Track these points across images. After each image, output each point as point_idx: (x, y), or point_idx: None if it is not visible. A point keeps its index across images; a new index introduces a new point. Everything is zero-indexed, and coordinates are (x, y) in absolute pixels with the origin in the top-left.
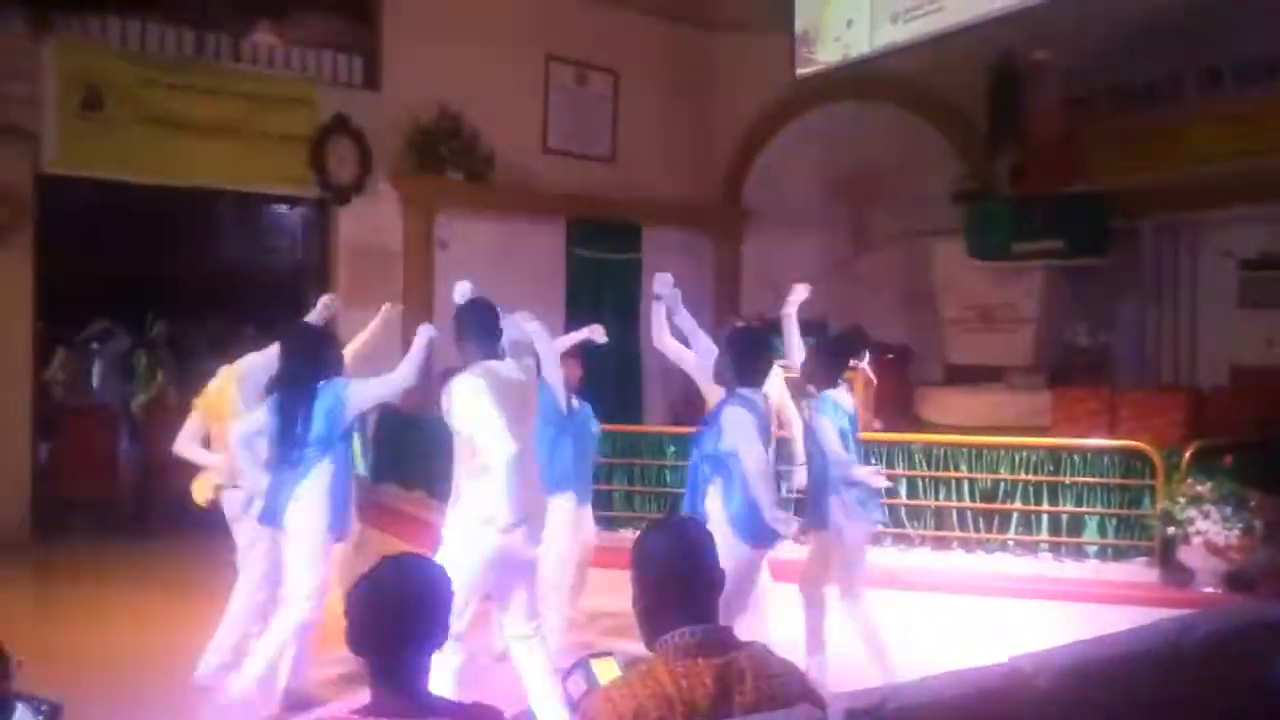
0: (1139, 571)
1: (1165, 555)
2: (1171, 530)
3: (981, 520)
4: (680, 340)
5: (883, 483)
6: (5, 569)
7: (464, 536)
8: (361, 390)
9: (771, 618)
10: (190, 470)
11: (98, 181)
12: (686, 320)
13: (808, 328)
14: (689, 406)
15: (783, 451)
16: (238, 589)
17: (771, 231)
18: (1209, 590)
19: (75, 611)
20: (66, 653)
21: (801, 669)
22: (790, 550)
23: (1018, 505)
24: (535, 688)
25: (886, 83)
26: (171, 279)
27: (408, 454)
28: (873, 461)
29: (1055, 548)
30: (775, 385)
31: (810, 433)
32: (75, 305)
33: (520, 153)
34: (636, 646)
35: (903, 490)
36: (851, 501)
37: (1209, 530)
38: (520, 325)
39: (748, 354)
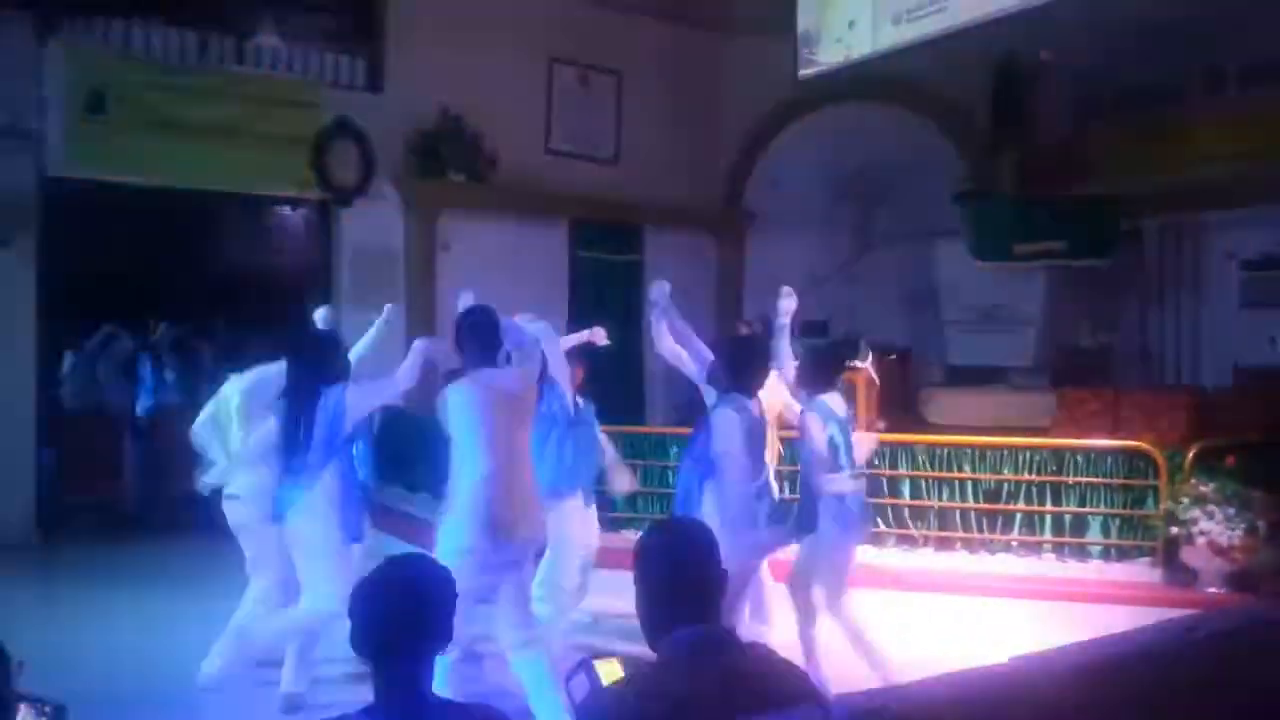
0: (1142, 572)
1: (1169, 555)
2: (1175, 530)
3: (985, 521)
4: (681, 344)
5: (847, 487)
6: (11, 571)
7: (457, 539)
8: (359, 396)
9: (774, 619)
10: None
11: (101, 184)
12: (681, 328)
13: (810, 329)
14: (692, 408)
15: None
16: (248, 594)
17: (774, 233)
18: (1213, 590)
19: (80, 613)
20: (71, 654)
21: (804, 670)
22: (793, 552)
23: (1021, 506)
24: (537, 698)
25: (889, 83)
26: (174, 281)
27: (412, 456)
28: (875, 464)
29: (1058, 548)
30: (778, 390)
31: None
32: (79, 308)
33: (522, 154)
34: (640, 648)
35: (906, 491)
36: (842, 506)
37: (1212, 530)
38: (524, 329)
39: (741, 360)
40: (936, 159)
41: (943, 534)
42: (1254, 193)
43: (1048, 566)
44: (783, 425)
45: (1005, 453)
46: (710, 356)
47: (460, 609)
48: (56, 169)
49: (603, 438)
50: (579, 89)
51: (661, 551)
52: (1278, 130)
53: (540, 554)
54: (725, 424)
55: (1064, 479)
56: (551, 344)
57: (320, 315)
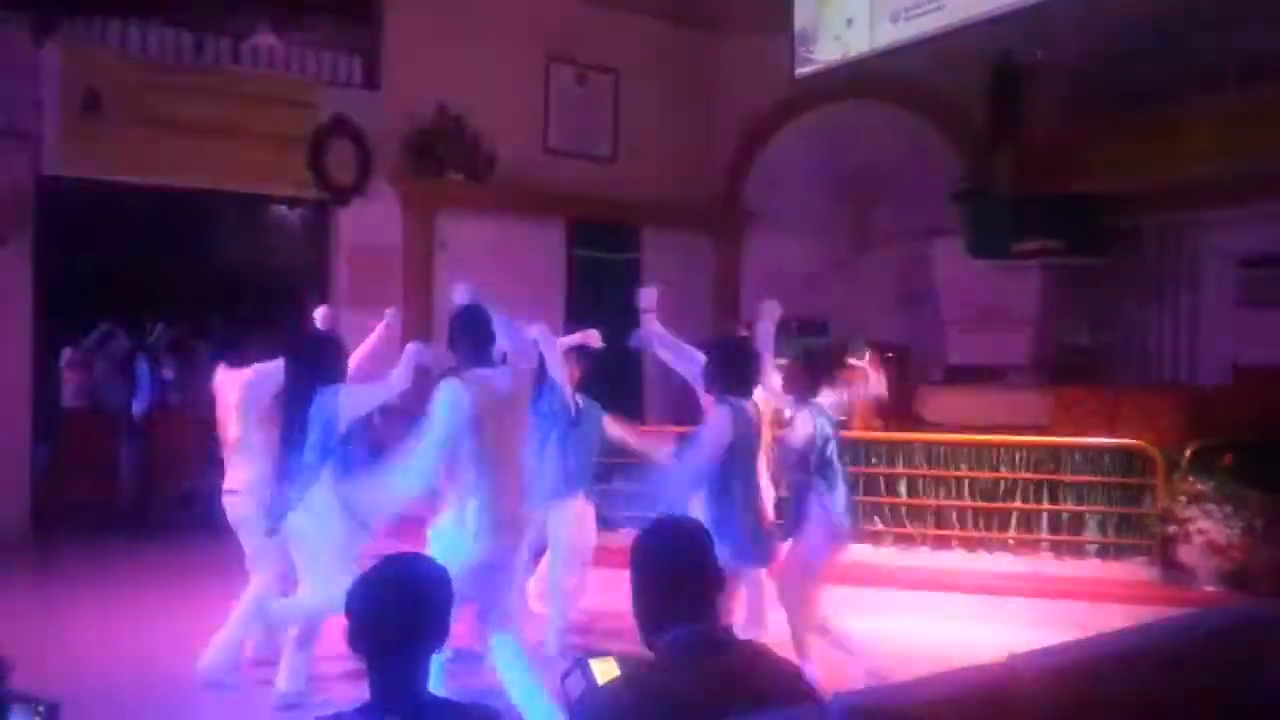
0: (1139, 570)
1: (1165, 554)
2: (1172, 529)
3: (982, 519)
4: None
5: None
6: (5, 569)
7: (447, 542)
8: (352, 397)
9: (767, 619)
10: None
11: (98, 183)
12: (663, 336)
13: (808, 328)
14: (689, 407)
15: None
16: (249, 591)
17: (771, 231)
18: (1210, 589)
19: (75, 612)
20: (66, 652)
21: (800, 668)
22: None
23: (1018, 504)
24: (520, 698)
25: (886, 82)
26: (171, 280)
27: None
28: (874, 461)
29: (1055, 546)
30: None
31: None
32: (75, 307)
33: (520, 153)
34: (636, 647)
35: (903, 489)
36: (826, 508)
37: (1209, 529)
38: (519, 334)
39: (732, 364)
40: (933, 158)
41: (940, 532)
42: (1251, 191)
43: (1045, 565)
44: (780, 424)
45: (1002, 451)
46: (702, 358)
47: (456, 608)
48: (53, 168)
49: (616, 427)
50: (576, 88)
51: (658, 551)
52: (1274, 127)
53: (539, 553)
54: (715, 418)
55: (1061, 477)
56: (549, 347)
57: (320, 315)
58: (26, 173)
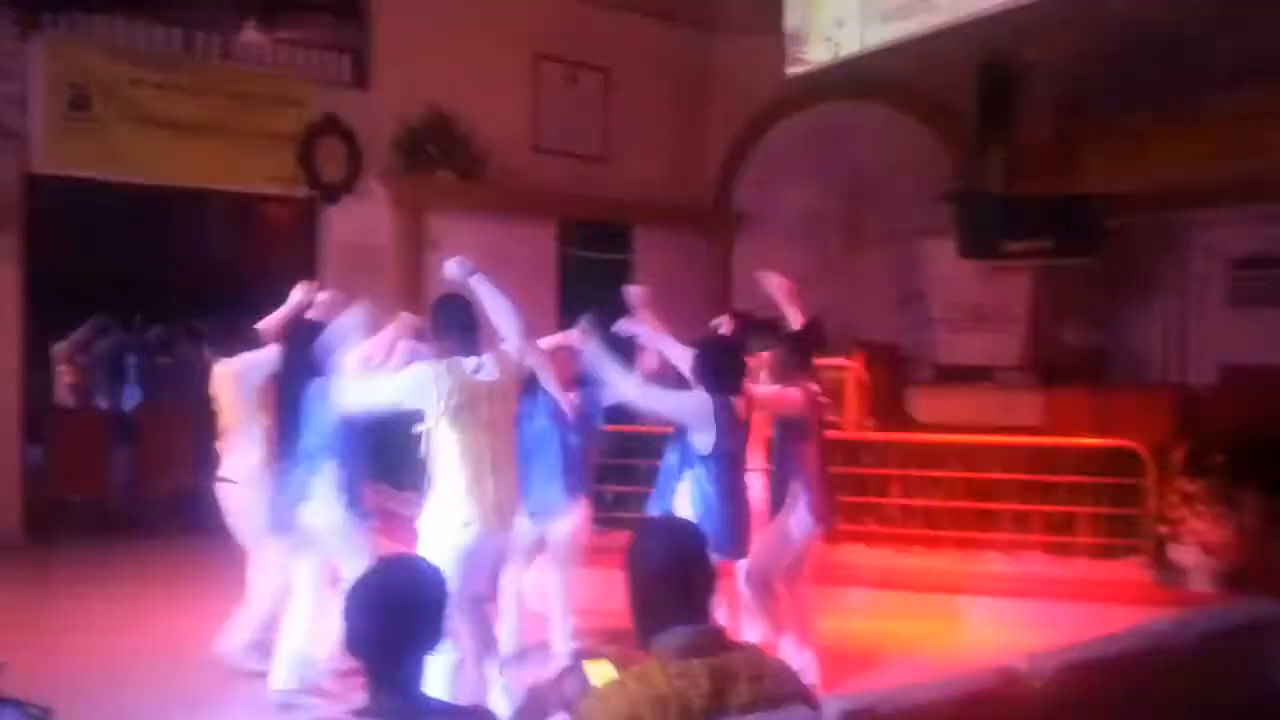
0: (1132, 571)
1: (1158, 554)
2: (1164, 529)
3: (974, 520)
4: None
5: None
6: None
7: (435, 533)
8: (345, 389)
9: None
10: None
11: (86, 181)
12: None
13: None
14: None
15: None
16: (265, 577)
17: (763, 231)
18: (1203, 589)
19: (68, 613)
20: (59, 654)
21: (795, 670)
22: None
23: (1009, 504)
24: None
25: (877, 82)
26: (160, 279)
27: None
28: (865, 462)
29: (1047, 547)
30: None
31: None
32: (64, 305)
33: (511, 152)
34: (632, 648)
35: (894, 490)
36: (807, 491)
37: (1202, 529)
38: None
39: (719, 361)
40: (924, 158)
41: (931, 533)
42: (1241, 192)
43: (1037, 566)
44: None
45: (994, 451)
46: (690, 357)
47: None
48: (40, 165)
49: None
50: (567, 87)
51: (653, 551)
52: (1264, 129)
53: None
54: (692, 395)
55: (1053, 478)
56: (540, 367)
57: (320, 301)
58: (13, 171)
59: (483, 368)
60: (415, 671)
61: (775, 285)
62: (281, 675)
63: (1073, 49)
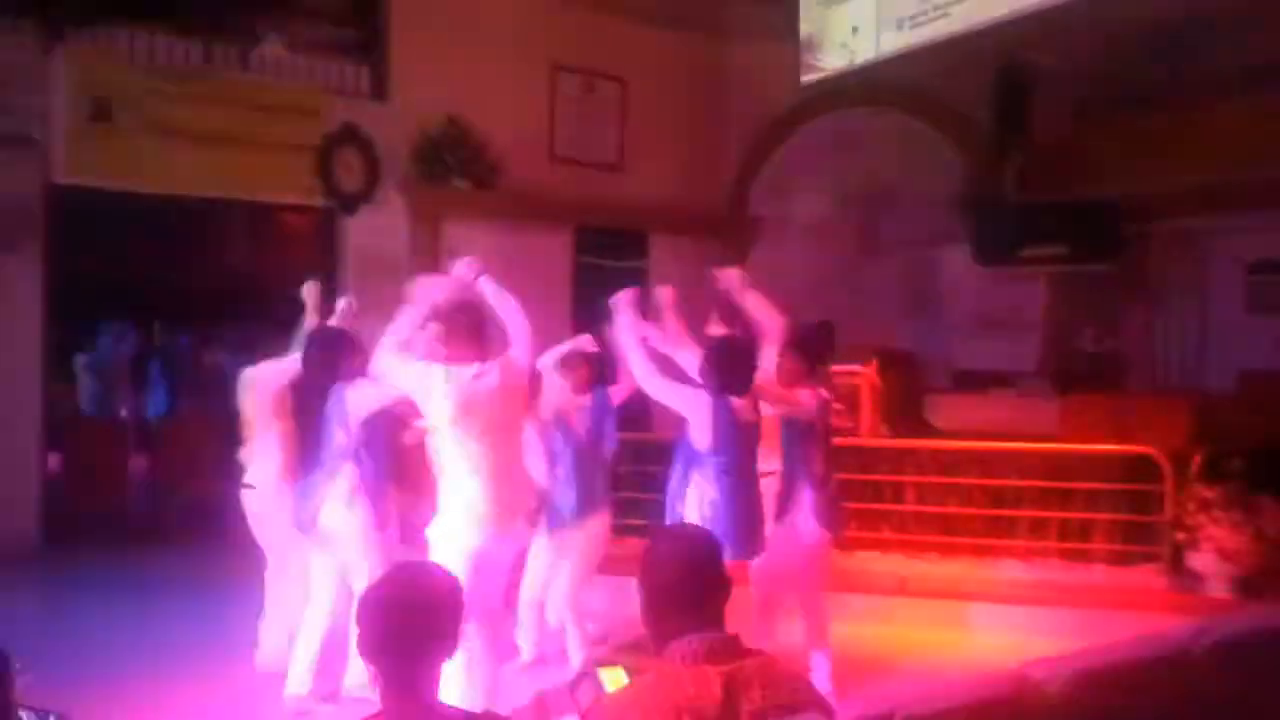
0: (1149, 577)
1: (1175, 561)
2: (1181, 536)
3: (990, 526)
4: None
5: None
6: (17, 578)
7: (443, 538)
8: (361, 395)
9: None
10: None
11: (107, 191)
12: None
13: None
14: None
15: None
16: (287, 583)
17: (778, 238)
18: (1220, 595)
19: (86, 620)
20: (77, 661)
21: (809, 677)
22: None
23: (1026, 511)
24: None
25: (892, 89)
26: (180, 288)
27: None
28: (881, 469)
29: (1064, 554)
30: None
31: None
32: (85, 314)
33: (527, 161)
34: (645, 655)
35: (910, 496)
36: (815, 495)
37: (1219, 536)
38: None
39: (725, 362)
40: (939, 164)
41: (947, 539)
42: (1260, 197)
43: (1054, 573)
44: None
45: (1010, 458)
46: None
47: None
48: (61, 176)
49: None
50: (583, 96)
51: (666, 558)
52: None
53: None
54: (696, 393)
55: (1069, 484)
56: (550, 378)
57: (340, 308)
58: (35, 181)
59: (486, 373)
60: (430, 677)
61: (728, 278)
62: (296, 681)
63: (1088, 54)
